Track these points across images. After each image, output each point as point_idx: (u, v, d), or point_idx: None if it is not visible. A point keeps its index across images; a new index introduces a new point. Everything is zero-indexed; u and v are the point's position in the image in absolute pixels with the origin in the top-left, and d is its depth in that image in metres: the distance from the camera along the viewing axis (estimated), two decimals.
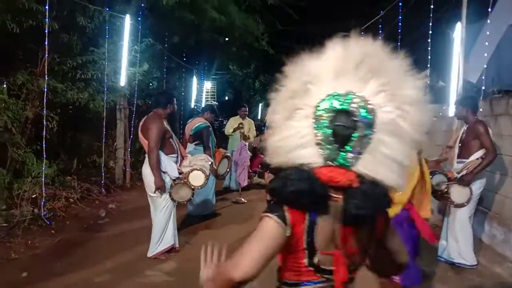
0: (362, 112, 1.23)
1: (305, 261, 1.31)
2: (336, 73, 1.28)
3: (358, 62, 1.27)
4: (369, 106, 1.24)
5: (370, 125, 1.24)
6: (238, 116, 8.33)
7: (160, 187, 4.22)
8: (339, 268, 1.30)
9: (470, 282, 4.04)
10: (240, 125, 8.02)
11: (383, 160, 1.25)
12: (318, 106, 1.27)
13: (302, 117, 1.29)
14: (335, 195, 1.26)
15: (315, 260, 1.30)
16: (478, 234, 5.00)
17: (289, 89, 1.32)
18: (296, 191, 1.22)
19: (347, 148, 1.24)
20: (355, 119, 1.23)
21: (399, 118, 1.26)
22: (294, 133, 1.29)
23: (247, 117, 8.46)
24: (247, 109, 8.66)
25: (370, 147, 1.24)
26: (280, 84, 1.35)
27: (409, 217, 3.02)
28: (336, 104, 1.25)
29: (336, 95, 1.25)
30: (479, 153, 4.20)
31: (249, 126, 8.24)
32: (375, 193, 1.22)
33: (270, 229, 1.28)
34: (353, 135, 1.24)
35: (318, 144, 1.26)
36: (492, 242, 4.94)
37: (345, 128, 1.24)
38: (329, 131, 1.25)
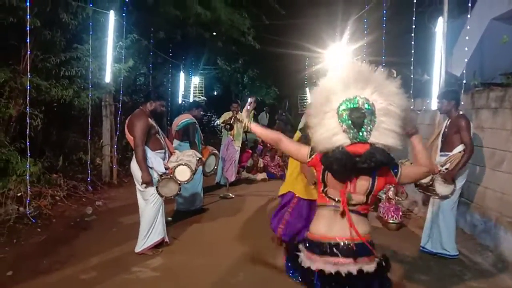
0: (366, 106, 1.96)
1: (321, 189, 2.13)
2: (344, 87, 2.01)
3: (356, 78, 2.01)
4: (369, 102, 1.97)
5: (372, 113, 1.97)
6: (230, 112, 8.44)
7: (147, 182, 4.27)
8: (342, 199, 2.03)
9: (451, 271, 4.13)
10: (230, 120, 8.13)
11: (384, 132, 1.97)
12: (339, 108, 1.99)
13: (330, 117, 2.01)
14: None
15: (325, 190, 2.10)
16: (460, 225, 5.10)
17: (317, 101, 2.07)
18: (339, 165, 1.96)
19: (362, 129, 1.97)
20: (363, 111, 1.96)
21: (389, 105, 1.98)
22: (327, 128, 2.00)
23: (239, 112, 8.57)
24: (238, 105, 8.79)
25: (375, 126, 1.97)
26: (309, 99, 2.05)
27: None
28: (350, 105, 1.98)
29: (348, 99, 1.99)
30: (461, 147, 4.27)
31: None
32: (378, 153, 1.93)
33: (303, 148, 2.19)
34: (364, 121, 1.96)
35: (344, 131, 1.98)
36: (473, 232, 5.05)
37: (358, 118, 1.96)
38: (349, 122, 1.97)
